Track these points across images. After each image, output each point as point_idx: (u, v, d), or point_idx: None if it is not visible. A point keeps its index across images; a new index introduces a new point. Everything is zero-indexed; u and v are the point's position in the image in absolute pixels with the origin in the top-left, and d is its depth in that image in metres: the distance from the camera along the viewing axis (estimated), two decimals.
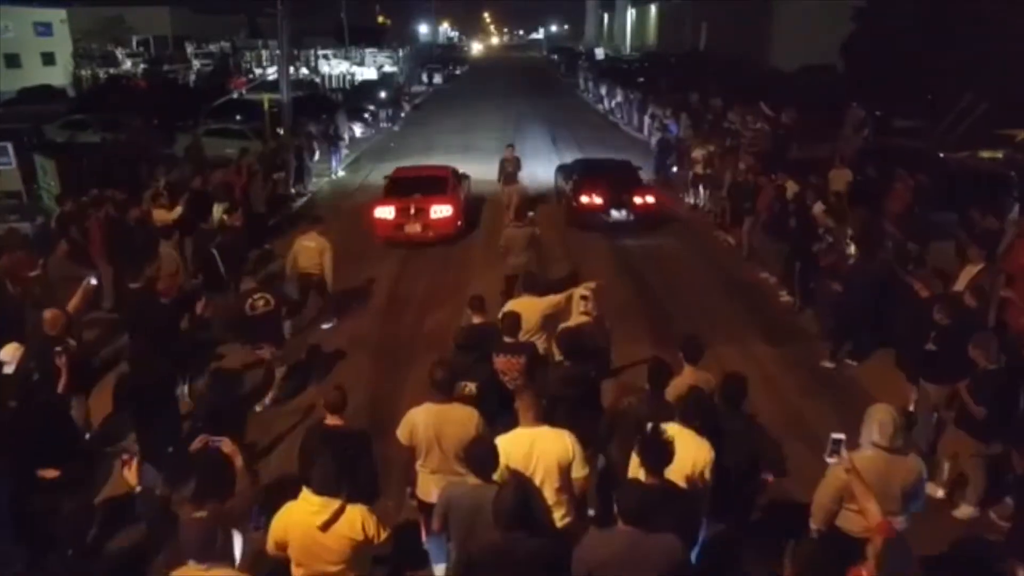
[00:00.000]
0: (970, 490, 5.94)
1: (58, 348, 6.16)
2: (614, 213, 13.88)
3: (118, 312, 9.08)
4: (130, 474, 4.08)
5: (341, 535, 3.79)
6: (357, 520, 3.83)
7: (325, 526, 3.76)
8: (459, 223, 13.65)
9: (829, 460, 3.91)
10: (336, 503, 3.81)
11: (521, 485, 3.80)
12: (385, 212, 13.16)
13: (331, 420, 4.82)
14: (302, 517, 3.82)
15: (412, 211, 13.06)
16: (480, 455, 3.94)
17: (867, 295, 8.30)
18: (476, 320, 6.46)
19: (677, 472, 3.91)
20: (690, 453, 4.08)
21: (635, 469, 3.99)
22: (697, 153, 15.73)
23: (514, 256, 9.54)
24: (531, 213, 11.44)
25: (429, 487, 4.58)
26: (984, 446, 5.82)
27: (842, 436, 3.90)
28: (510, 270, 9.54)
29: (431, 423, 4.49)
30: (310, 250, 9.42)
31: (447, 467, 4.50)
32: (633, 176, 15.04)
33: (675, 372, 5.14)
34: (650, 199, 14.19)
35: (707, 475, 4.14)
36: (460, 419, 4.51)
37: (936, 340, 6.47)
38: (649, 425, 3.86)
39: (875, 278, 8.28)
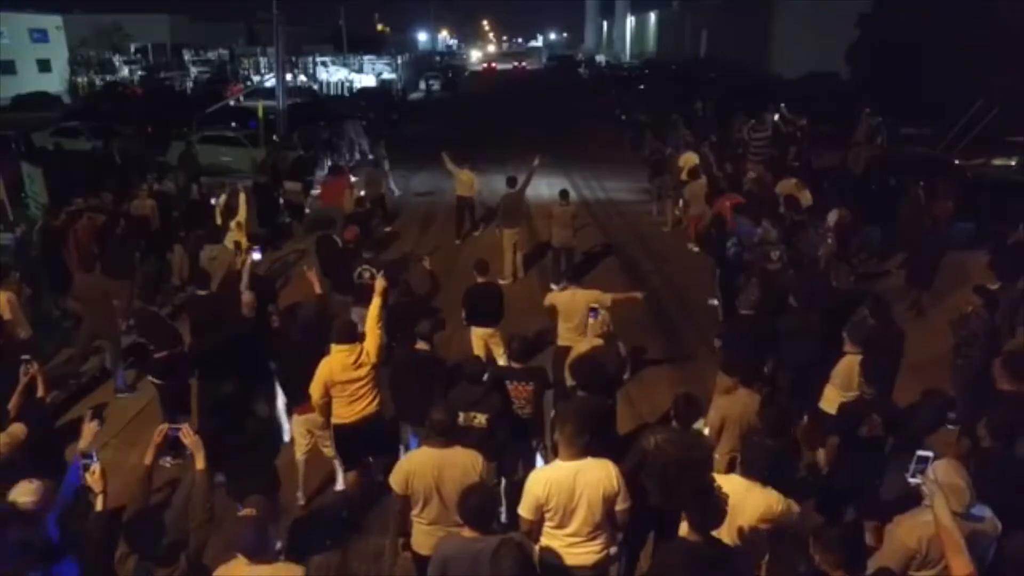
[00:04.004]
0: None
1: (26, 356, 5.72)
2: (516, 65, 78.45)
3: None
4: (93, 479, 3.66)
5: (363, 365, 5.55)
6: (370, 352, 5.57)
7: (355, 361, 5.49)
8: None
9: (912, 480, 3.33)
10: (359, 346, 5.56)
11: (519, 546, 3.41)
12: (485, 66, 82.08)
13: (420, 345, 5.93)
14: (340, 359, 5.50)
15: (491, 65, 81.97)
16: (477, 504, 3.56)
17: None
18: (480, 280, 7.66)
19: (734, 526, 3.45)
20: (758, 511, 3.72)
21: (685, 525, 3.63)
22: (686, 159, 14.85)
23: (559, 229, 11.11)
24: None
25: (426, 540, 4.12)
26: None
27: (929, 454, 3.34)
28: (556, 243, 11.22)
29: (430, 470, 4.04)
30: (464, 183, 13.57)
31: (447, 518, 4.03)
32: (525, 63, 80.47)
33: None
34: (526, 64, 79.27)
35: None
36: (462, 465, 4.06)
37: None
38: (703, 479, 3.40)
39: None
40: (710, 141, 16.72)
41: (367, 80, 43.51)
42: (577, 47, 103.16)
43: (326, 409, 5.59)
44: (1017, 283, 7.77)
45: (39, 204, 12.73)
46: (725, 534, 3.59)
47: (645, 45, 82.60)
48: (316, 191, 16.45)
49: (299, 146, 18.41)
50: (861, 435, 4.66)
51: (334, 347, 5.49)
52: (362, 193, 13.22)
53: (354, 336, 5.58)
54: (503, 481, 5.44)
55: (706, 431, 5.04)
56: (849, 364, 5.52)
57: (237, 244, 9.71)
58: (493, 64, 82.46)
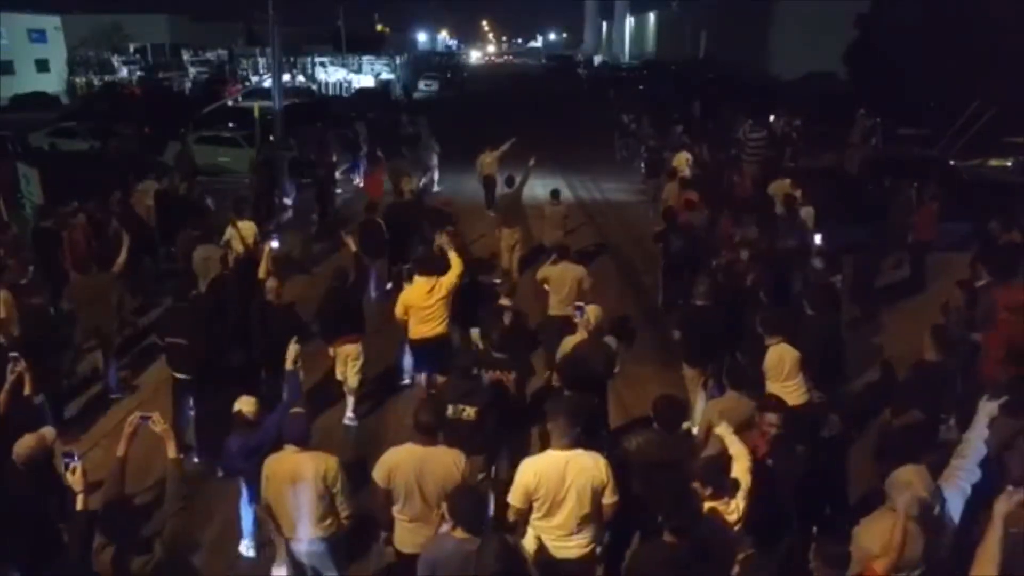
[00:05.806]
0: None
1: (14, 354, 5.71)
2: (506, 59, 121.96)
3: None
4: (74, 478, 3.69)
5: (436, 294, 6.71)
6: (444, 284, 6.74)
7: (431, 289, 6.69)
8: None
9: None
10: (435, 279, 6.73)
11: (503, 543, 3.40)
12: (487, 59, 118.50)
13: (503, 301, 7.09)
14: (419, 288, 6.77)
15: (491, 59, 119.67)
16: (468, 506, 3.55)
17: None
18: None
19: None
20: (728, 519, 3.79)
21: None
22: (679, 159, 14.83)
23: (551, 230, 11.58)
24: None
25: (407, 537, 4.13)
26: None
27: None
28: (549, 242, 11.33)
29: (412, 467, 4.03)
30: (488, 164, 15.19)
31: (428, 516, 4.04)
32: (513, 58, 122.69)
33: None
34: (513, 58, 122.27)
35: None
36: (444, 464, 4.05)
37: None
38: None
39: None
40: (706, 142, 16.73)
41: (365, 80, 43.53)
42: (577, 48, 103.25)
43: (405, 324, 6.93)
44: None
45: (35, 205, 12.71)
46: None
47: (644, 46, 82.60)
48: None
49: (295, 147, 18.45)
50: (824, 437, 4.66)
51: (417, 277, 6.84)
52: (423, 181, 14.47)
53: (436, 271, 6.79)
54: (492, 472, 5.42)
55: (694, 431, 5.04)
56: (776, 354, 5.61)
57: (228, 243, 9.64)
58: (492, 58, 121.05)
